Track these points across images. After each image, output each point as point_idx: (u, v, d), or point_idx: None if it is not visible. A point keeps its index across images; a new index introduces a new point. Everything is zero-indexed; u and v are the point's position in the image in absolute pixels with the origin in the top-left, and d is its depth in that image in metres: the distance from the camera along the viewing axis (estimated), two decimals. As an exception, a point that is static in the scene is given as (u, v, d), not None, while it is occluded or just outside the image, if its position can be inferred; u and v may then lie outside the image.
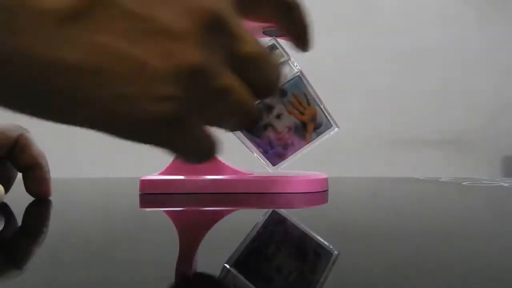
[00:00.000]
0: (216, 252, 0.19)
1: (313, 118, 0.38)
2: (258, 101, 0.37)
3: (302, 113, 0.38)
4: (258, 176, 0.39)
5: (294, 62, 0.36)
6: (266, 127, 0.38)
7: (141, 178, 0.38)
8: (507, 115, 1.63)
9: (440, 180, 0.55)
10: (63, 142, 1.41)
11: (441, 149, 1.58)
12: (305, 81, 0.36)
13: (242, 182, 0.38)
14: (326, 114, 0.38)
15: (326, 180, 0.40)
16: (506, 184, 0.49)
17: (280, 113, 0.38)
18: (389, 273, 0.15)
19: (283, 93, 0.37)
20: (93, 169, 1.38)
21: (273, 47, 0.40)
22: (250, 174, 0.40)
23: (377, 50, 1.56)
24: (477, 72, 1.62)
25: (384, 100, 1.56)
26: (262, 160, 0.40)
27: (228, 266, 0.16)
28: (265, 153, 0.39)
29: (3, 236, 0.22)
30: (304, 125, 0.38)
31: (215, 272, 0.16)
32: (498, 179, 0.56)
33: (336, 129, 0.39)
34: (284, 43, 0.41)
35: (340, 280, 0.15)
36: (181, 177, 0.39)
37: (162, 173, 0.40)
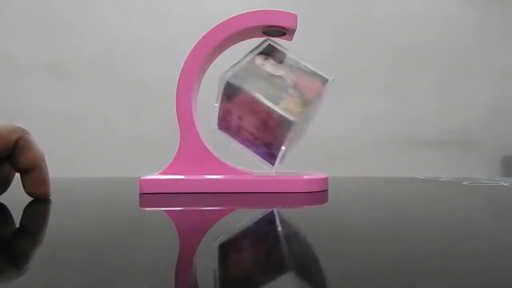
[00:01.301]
0: (215, 252, 0.19)
1: (269, 116, 0.37)
2: (215, 104, 0.39)
3: (257, 112, 0.37)
4: (258, 176, 0.39)
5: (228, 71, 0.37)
6: (238, 129, 0.39)
7: (141, 178, 0.38)
8: (507, 115, 1.63)
9: (440, 180, 0.55)
10: (63, 142, 1.41)
11: (441, 149, 1.58)
12: (237, 84, 0.36)
13: (242, 182, 0.38)
14: (279, 110, 0.37)
15: (326, 180, 0.40)
16: (506, 184, 0.49)
17: (239, 115, 0.38)
18: (389, 273, 0.15)
19: (228, 97, 0.37)
20: (93, 169, 1.38)
21: (270, 48, 0.40)
22: (250, 174, 0.40)
23: (378, 50, 1.56)
24: (477, 72, 1.62)
25: (384, 100, 1.56)
26: (262, 163, 0.40)
27: (226, 266, 0.16)
28: (256, 154, 0.39)
29: (2, 235, 0.22)
30: (266, 123, 0.38)
31: (215, 272, 0.16)
32: (498, 179, 0.56)
33: (293, 120, 0.36)
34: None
35: (340, 280, 0.15)
36: (181, 177, 0.39)
37: (162, 173, 0.40)
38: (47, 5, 1.43)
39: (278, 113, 0.36)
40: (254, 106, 0.37)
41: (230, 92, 0.37)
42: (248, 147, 0.40)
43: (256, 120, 0.38)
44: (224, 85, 0.37)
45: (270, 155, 0.39)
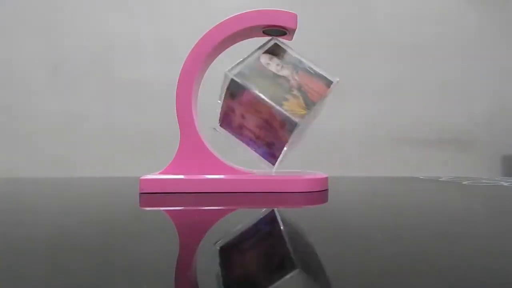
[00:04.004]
0: (215, 252, 0.19)
1: (272, 116, 0.37)
2: (218, 101, 0.38)
3: (260, 112, 0.37)
4: (258, 175, 0.39)
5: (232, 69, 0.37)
6: (240, 127, 0.39)
7: (141, 178, 0.38)
8: (506, 115, 1.63)
9: (440, 179, 0.55)
10: (63, 142, 1.41)
11: (441, 149, 1.58)
12: (242, 83, 0.36)
13: (242, 182, 0.38)
14: (284, 111, 0.36)
15: (326, 179, 0.40)
16: (506, 184, 0.49)
17: (242, 113, 0.38)
18: (388, 273, 0.15)
19: (232, 95, 0.37)
20: (93, 169, 1.38)
21: (276, 47, 0.40)
22: (250, 174, 0.40)
23: (377, 50, 1.56)
24: (477, 72, 1.62)
25: (384, 99, 1.56)
26: (262, 162, 0.40)
27: (226, 266, 0.16)
28: (257, 153, 0.39)
29: (1, 235, 0.22)
30: (269, 123, 0.38)
31: (214, 272, 0.16)
32: (498, 179, 0.56)
33: (297, 121, 0.36)
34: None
35: (340, 280, 0.15)
36: (181, 176, 0.39)
37: (162, 173, 0.40)
38: (46, 5, 1.43)
39: (282, 114, 0.36)
40: (257, 106, 0.37)
41: (234, 90, 0.37)
42: (249, 145, 0.40)
43: (258, 120, 0.38)
44: (228, 82, 0.37)
45: (271, 155, 0.39)
